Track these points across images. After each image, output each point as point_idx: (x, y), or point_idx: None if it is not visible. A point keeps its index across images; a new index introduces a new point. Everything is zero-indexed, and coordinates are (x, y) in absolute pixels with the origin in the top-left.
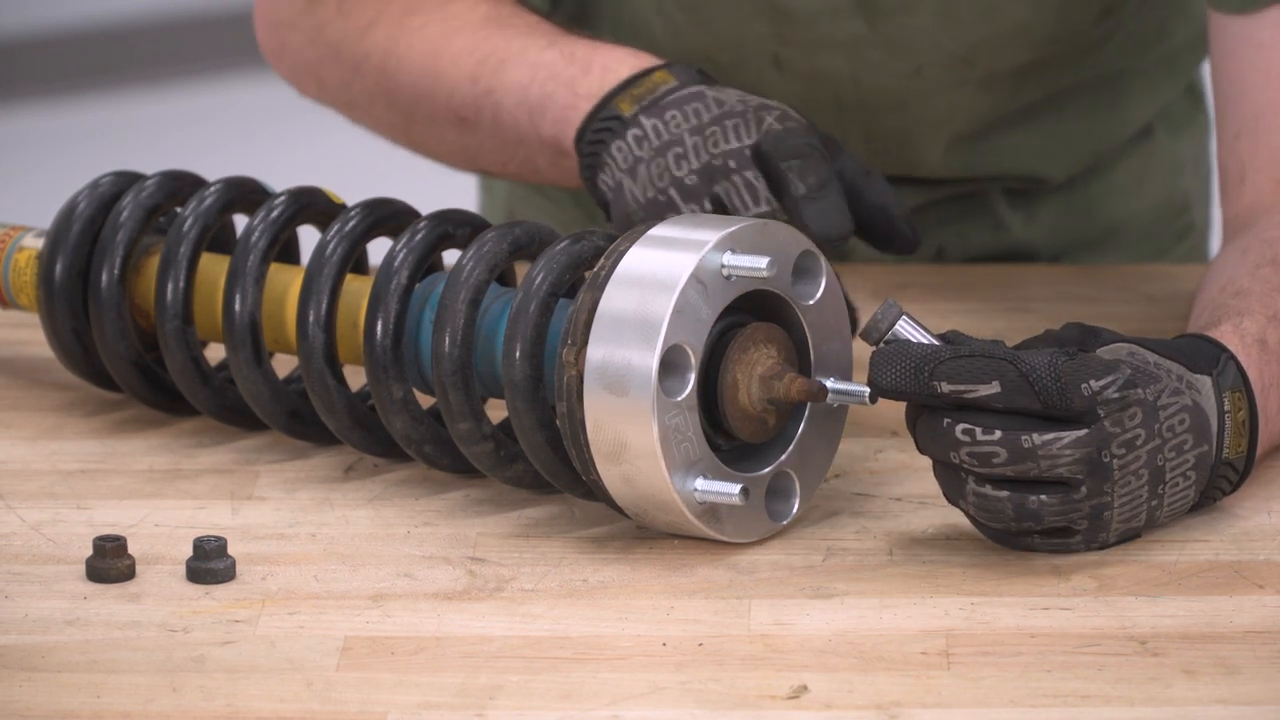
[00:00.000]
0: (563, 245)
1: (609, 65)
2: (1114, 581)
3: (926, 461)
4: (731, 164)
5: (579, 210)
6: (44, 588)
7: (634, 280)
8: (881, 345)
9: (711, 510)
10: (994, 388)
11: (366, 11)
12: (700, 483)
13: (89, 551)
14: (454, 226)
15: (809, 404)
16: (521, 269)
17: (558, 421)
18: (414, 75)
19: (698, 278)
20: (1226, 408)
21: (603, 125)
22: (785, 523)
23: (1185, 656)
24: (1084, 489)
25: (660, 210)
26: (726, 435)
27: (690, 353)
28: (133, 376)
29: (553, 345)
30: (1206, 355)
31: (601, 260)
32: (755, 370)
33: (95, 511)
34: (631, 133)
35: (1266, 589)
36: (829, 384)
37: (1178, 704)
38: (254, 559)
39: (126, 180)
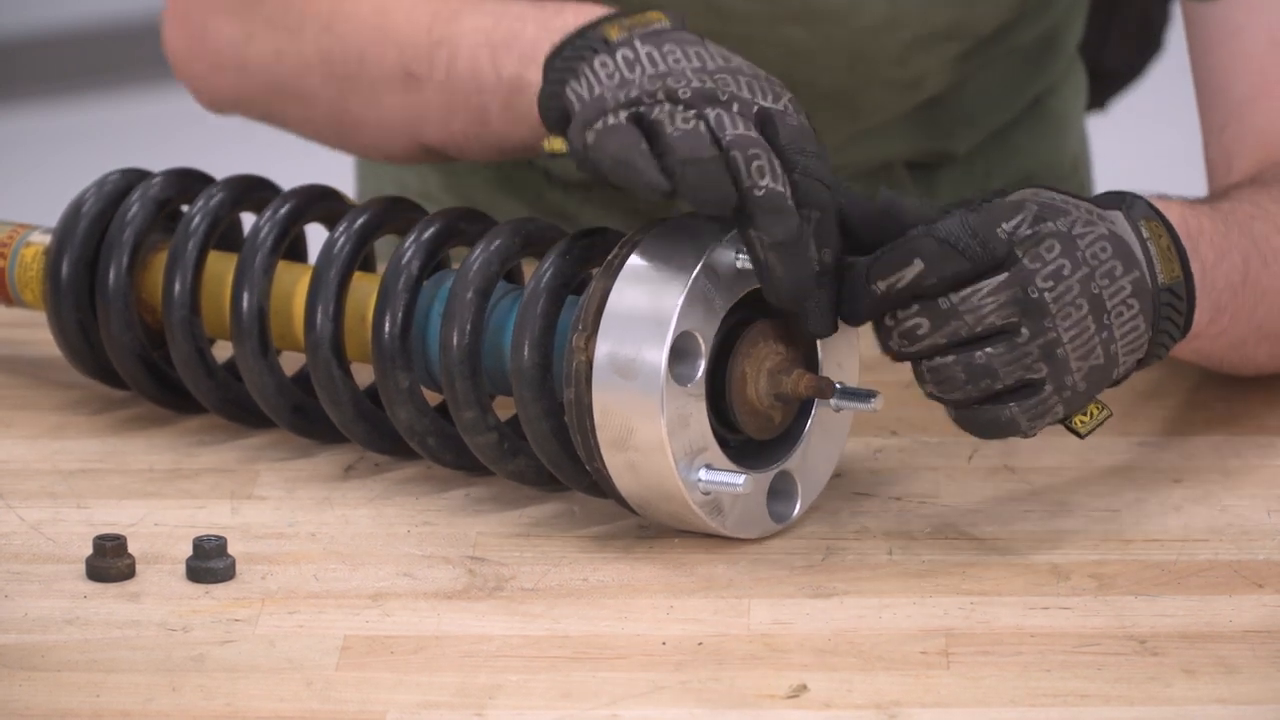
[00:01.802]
0: (575, 240)
1: (583, 10)
2: (1113, 581)
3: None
4: (737, 109)
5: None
6: (44, 587)
7: (647, 268)
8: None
9: (714, 502)
10: (917, 266)
11: None
12: (704, 473)
13: (89, 551)
14: (464, 223)
15: (815, 407)
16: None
17: (565, 408)
18: (361, 35)
19: (711, 267)
20: (1145, 235)
21: (584, 45)
22: (785, 524)
23: (1185, 656)
24: (1025, 330)
25: (634, 112)
26: (732, 429)
27: (701, 340)
28: (138, 370)
29: (562, 337)
30: (1111, 197)
31: (615, 249)
32: (764, 364)
33: (95, 511)
34: (621, 54)
35: (1266, 589)
36: (836, 388)
37: (1177, 703)
38: (254, 558)
39: (134, 177)
